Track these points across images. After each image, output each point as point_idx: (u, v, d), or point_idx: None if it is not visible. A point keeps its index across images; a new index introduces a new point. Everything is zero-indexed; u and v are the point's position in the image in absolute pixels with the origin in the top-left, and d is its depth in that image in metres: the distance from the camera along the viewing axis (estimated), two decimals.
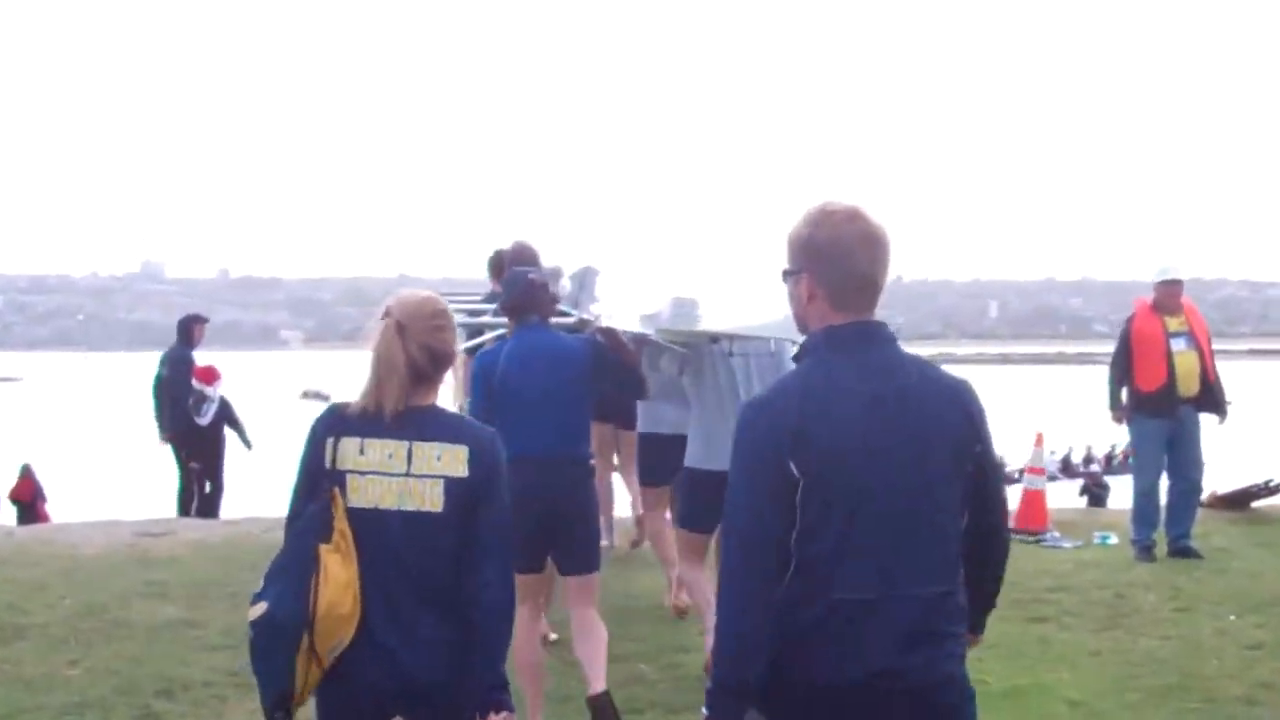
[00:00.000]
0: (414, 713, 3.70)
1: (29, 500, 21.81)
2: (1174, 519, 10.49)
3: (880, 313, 3.36)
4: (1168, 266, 10.65)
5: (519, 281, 6.51)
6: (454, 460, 3.68)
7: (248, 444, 13.88)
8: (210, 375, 13.47)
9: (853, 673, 3.13)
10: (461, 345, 6.46)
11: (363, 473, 3.67)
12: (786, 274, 3.33)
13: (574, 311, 7.79)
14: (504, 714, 3.72)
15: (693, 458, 7.09)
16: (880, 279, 3.29)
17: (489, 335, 7.73)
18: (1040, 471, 12.45)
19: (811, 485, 3.13)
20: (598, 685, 6.20)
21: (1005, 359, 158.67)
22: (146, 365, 14.58)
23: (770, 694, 3.20)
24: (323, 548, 3.61)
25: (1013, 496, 13.11)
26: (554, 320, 6.79)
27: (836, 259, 3.24)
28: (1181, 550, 10.30)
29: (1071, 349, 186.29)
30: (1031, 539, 11.29)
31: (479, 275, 10.01)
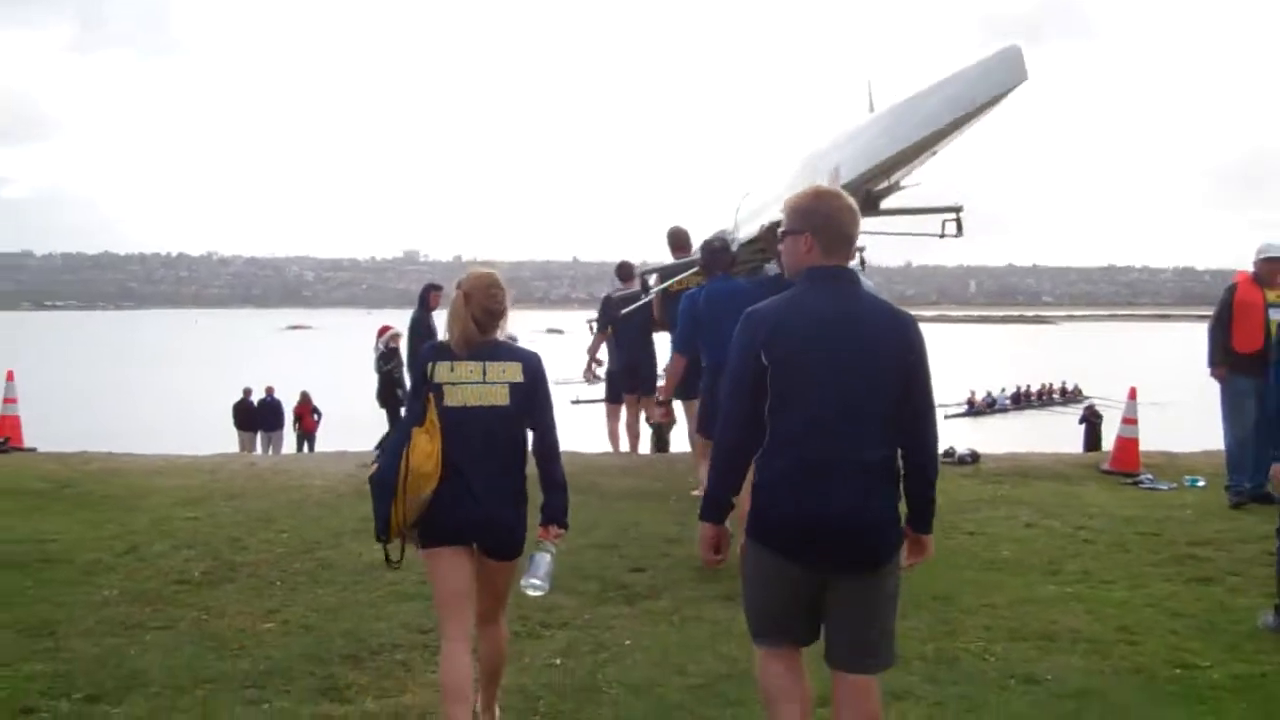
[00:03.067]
0: (485, 539, 3.78)
1: (302, 415, 22.20)
2: (1259, 466, 7.88)
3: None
4: (1270, 245, 8.38)
5: (705, 249, 7.10)
6: (514, 372, 3.79)
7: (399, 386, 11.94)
8: (381, 333, 11.95)
9: (806, 514, 3.06)
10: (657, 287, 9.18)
11: (454, 383, 3.73)
12: (786, 233, 3.27)
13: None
14: (557, 529, 3.85)
15: None
16: (855, 237, 3.27)
17: (670, 281, 9.00)
18: (1134, 421, 9.87)
19: (777, 371, 3.08)
20: None
21: (983, 319, 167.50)
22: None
23: (751, 524, 3.16)
24: (415, 429, 3.69)
25: (1107, 440, 10.76)
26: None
27: (831, 223, 3.22)
28: (1264, 495, 7.85)
29: (1030, 313, 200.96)
30: (1129, 480, 9.13)
31: (645, 255, 10.46)
